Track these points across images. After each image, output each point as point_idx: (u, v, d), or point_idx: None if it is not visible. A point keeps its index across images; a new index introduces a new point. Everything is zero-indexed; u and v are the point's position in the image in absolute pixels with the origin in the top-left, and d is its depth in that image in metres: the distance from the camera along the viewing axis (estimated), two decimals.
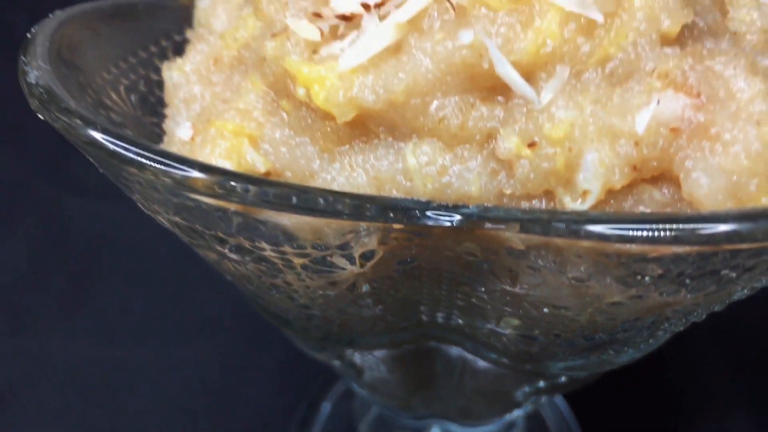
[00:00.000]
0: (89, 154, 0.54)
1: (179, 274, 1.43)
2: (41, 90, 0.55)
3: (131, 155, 0.51)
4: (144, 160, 0.51)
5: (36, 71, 0.56)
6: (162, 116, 0.72)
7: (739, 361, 1.31)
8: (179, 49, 0.77)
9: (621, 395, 1.23)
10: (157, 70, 0.75)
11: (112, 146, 0.52)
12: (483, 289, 0.62)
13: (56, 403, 1.25)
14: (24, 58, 0.58)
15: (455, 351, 0.80)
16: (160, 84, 0.73)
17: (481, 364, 0.80)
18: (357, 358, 0.82)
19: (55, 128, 0.55)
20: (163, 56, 0.76)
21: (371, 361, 0.83)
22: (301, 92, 0.59)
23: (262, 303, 0.74)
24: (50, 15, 0.64)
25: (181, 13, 0.78)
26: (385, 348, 0.78)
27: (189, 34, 0.76)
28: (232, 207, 0.53)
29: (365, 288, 0.64)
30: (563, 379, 0.78)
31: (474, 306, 0.66)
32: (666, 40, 0.55)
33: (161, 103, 0.72)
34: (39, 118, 0.56)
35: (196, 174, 0.51)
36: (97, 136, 0.52)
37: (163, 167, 0.51)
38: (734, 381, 1.28)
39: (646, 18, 0.54)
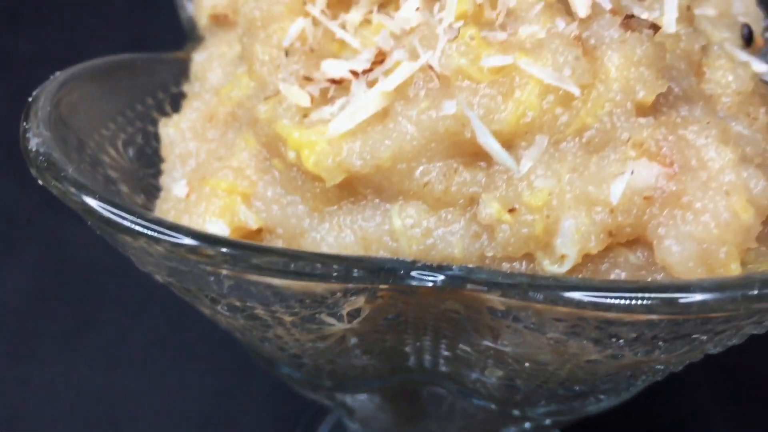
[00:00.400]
0: (86, 219, 0.56)
1: (178, 303, 1.45)
2: (41, 158, 0.57)
3: (126, 223, 0.54)
4: (138, 228, 0.54)
5: (36, 138, 0.59)
6: (158, 167, 0.74)
7: (733, 393, 1.33)
8: (176, 101, 0.79)
9: (614, 428, 1.25)
10: (154, 122, 0.77)
11: (107, 214, 0.54)
12: (466, 343, 0.64)
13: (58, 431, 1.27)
14: (25, 124, 0.60)
15: (443, 392, 0.82)
16: (157, 135, 0.75)
17: (469, 404, 0.82)
18: (348, 399, 0.84)
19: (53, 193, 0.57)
20: (161, 108, 0.78)
21: (362, 400, 0.85)
22: (291, 155, 0.61)
23: (254, 350, 0.76)
24: (51, 77, 0.66)
25: (177, 65, 0.80)
26: (374, 392, 0.80)
27: (186, 87, 0.78)
28: (224, 271, 0.55)
29: (353, 340, 0.66)
30: (548, 422, 0.80)
31: (459, 356, 0.68)
32: (641, 110, 0.57)
33: (158, 155, 0.74)
34: None
35: (188, 242, 0.53)
36: (93, 203, 0.55)
37: (156, 234, 0.53)
38: (728, 412, 1.30)
39: (622, 89, 0.56)
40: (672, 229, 0.54)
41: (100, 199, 0.55)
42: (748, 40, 0.77)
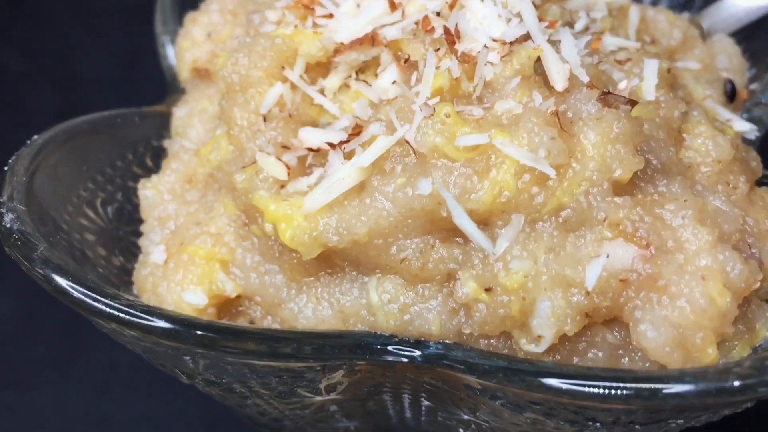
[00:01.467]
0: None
1: None
2: (14, 236, 0.57)
3: (98, 306, 0.54)
4: (110, 311, 0.53)
5: (11, 213, 0.58)
6: (137, 224, 0.74)
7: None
8: (157, 154, 0.79)
9: None
10: (135, 178, 0.76)
11: (77, 295, 0.54)
12: (445, 413, 0.64)
13: None
14: (0, 198, 0.60)
15: None
16: (137, 191, 0.74)
17: None
18: None
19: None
20: (141, 163, 0.78)
21: None
22: (268, 227, 0.60)
23: (235, 411, 0.76)
24: (28, 141, 0.66)
25: (158, 119, 0.79)
26: None
27: (166, 143, 0.78)
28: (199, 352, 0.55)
29: (334, 407, 0.66)
30: None
31: (439, 422, 0.68)
32: (618, 187, 0.57)
33: (137, 210, 0.73)
34: None
35: (162, 325, 0.53)
36: (64, 284, 0.55)
37: (128, 318, 0.53)
38: None
39: (598, 168, 0.56)
40: (648, 313, 0.54)
41: (72, 280, 0.54)
42: (731, 96, 0.76)
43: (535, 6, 0.65)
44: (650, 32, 0.79)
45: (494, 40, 0.60)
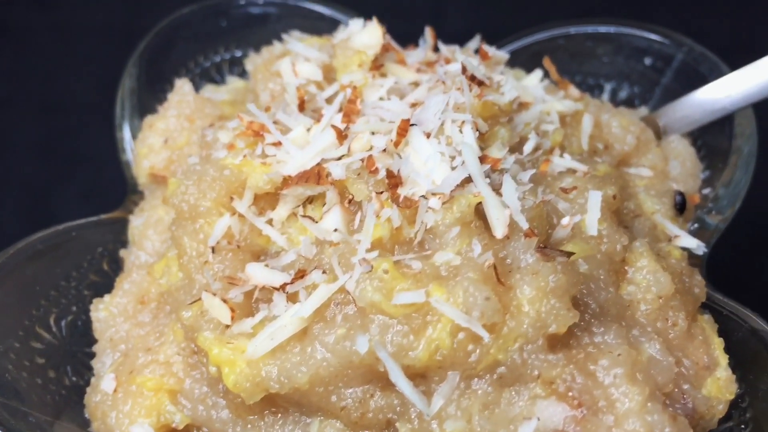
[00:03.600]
0: None
1: None
2: None
3: None
4: None
5: None
6: (92, 335, 0.74)
7: None
8: (114, 259, 0.79)
9: None
10: (90, 285, 0.77)
11: None
12: None
13: None
14: None
15: None
16: (92, 300, 0.75)
17: None
18: None
19: None
20: (98, 269, 0.78)
21: None
22: (213, 369, 0.61)
23: None
24: None
25: (114, 225, 0.79)
26: None
27: (122, 253, 0.78)
28: None
29: None
30: None
31: None
32: (553, 340, 0.58)
33: (91, 319, 0.74)
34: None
35: None
36: None
37: None
38: None
39: (533, 324, 0.57)
40: None
41: None
42: (680, 209, 0.77)
43: (482, 134, 0.66)
44: (604, 138, 0.80)
45: (434, 194, 0.60)
